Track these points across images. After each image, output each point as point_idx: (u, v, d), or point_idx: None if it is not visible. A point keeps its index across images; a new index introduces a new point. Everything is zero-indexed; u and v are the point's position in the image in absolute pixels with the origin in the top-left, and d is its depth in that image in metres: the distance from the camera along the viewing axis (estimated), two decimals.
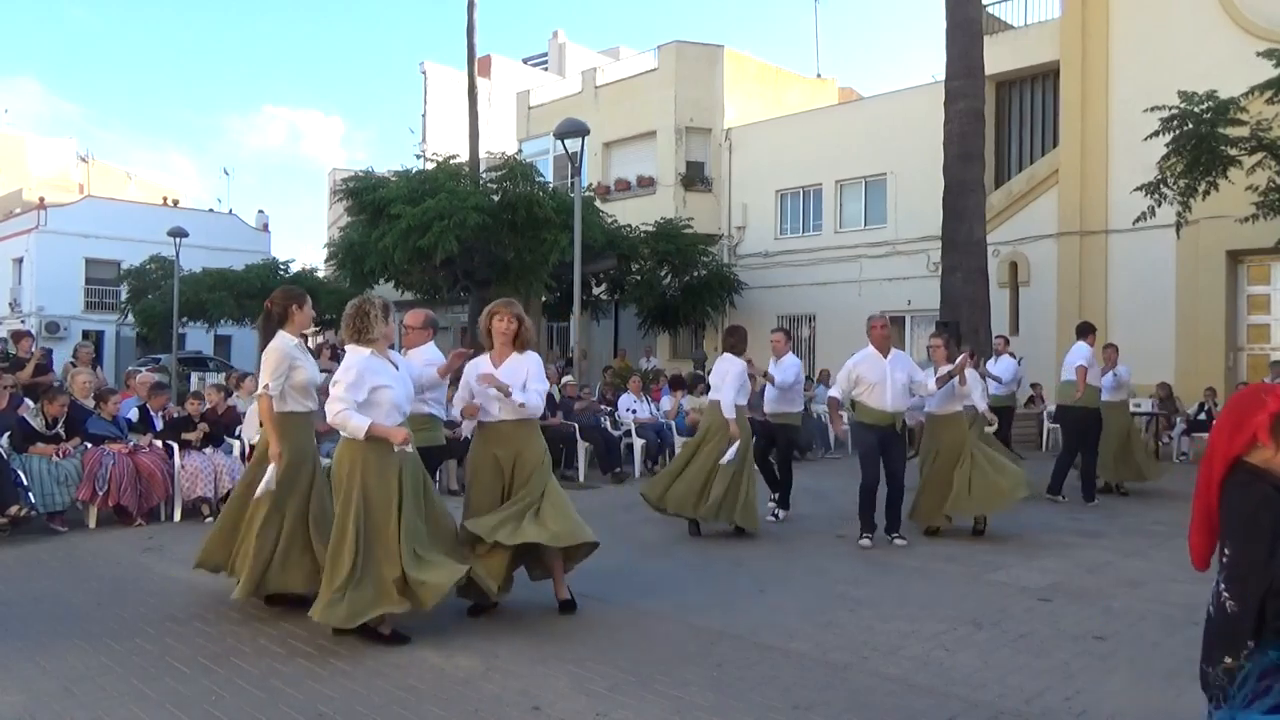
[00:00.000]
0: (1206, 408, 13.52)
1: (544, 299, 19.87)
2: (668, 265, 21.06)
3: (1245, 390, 2.34)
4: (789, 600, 5.57)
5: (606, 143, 24.03)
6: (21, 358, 9.89)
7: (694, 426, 12.21)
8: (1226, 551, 2.23)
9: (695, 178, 23.26)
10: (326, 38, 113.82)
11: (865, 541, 7.24)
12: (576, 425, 11.21)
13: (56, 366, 12.32)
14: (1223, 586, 2.23)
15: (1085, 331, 9.96)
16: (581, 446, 11.15)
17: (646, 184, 23.71)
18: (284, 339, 5.13)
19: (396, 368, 4.82)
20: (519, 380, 5.11)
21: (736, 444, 7.23)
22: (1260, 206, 12.46)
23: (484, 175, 18.95)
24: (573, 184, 14.29)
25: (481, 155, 21.84)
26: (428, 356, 5.78)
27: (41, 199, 36.11)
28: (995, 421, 8.80)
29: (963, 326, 14.44)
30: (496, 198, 17.44)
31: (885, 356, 7.33)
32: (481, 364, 5.25)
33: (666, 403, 12.50)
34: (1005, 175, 19.46)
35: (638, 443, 11.76)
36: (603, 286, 21.45)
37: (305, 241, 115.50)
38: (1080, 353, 9.71)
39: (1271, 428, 2.18)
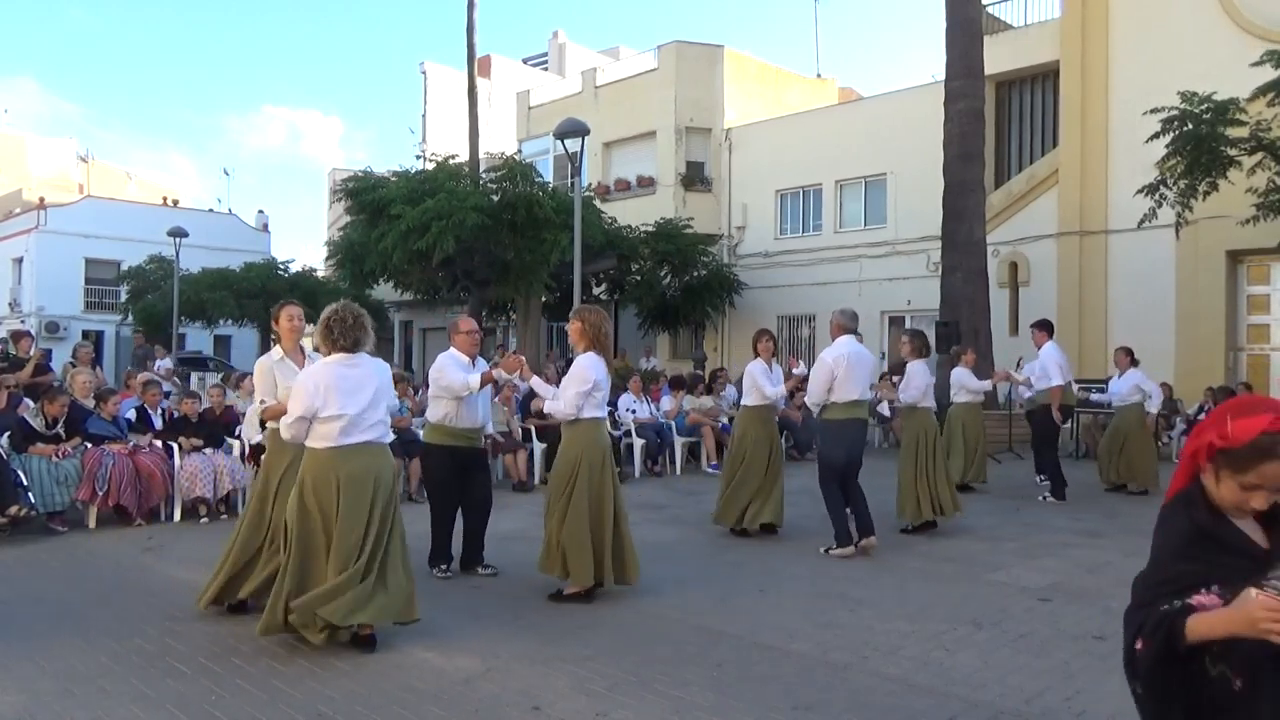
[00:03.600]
0: (1206, 408, 13.50)
1: (544, 299, 19.87)
2: (668, 265, 21.05)
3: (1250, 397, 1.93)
4: (789, 600, 5.57)
5: (606, 143, 24.01)
6: (21, 358, 9.88)
7: (694, 427, 12.24)
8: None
9: (695, 178, 23.24)
10: (326, 38, 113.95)
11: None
12: None
13: (56, 366, 12.31)
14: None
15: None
16: None
17: (646, 184, 23.69)
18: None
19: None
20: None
21: None
22: (1260, 208, 12.46)
23: (484, 175, 18.95)
24: (573, 184, 14.28)
25: (481, 155, 21.86)
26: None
27: (41, 199, 36.11)
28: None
29: (962, 326, 14.46)
30: (496, 198, 17.44)
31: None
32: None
33: (666, 403, 12.48)
34: (1005, 175, 19.45)
35: (638, 443, 11.75)
36: (603, 286, 21.44)
37: (305, 241, 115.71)
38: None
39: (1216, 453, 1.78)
